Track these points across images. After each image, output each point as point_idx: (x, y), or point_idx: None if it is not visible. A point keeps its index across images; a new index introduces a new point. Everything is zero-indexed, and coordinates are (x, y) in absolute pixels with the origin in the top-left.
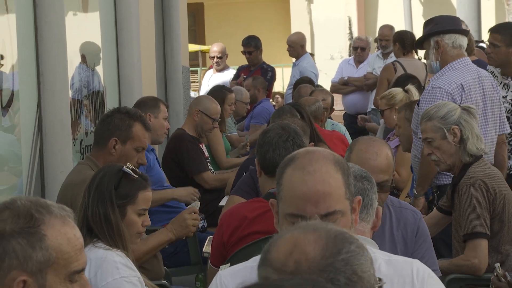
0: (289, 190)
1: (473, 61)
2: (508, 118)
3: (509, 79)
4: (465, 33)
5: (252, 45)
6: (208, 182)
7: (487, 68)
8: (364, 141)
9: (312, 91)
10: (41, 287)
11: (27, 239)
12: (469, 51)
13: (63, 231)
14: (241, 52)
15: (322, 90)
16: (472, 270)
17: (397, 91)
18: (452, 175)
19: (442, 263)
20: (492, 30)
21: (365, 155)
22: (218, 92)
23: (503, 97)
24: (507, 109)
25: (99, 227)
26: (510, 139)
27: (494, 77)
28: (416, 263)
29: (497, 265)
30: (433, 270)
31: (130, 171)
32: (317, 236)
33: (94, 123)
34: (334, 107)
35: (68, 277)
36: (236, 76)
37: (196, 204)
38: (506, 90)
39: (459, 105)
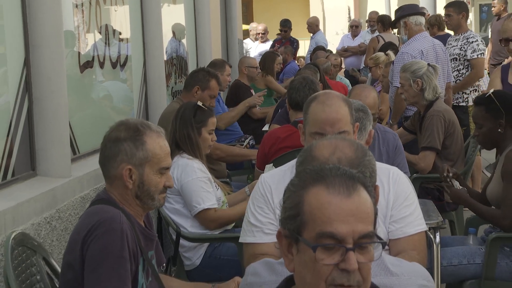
0: (314, 116)
1: (443, 35)
2: (456, 58)
3: (460, 35)
4: (423, 14)
5: (287, 25)
6: (256, 114)
7: (448, 39)
8: (358, 88)
9: (327, 55)
10: (141, 175)
11: (133, 143)
12: (442, 27)
13: (157, 141)
14: (279, 29)
15: (335, 54)
16: (419, 169)
17: (380, 54)
18: (416, 109)
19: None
20: (446, 6)
21: (359, 97)
22: (270, 55)
23: (455, 45)
24: (457, 53)
25: (184, 143)
26: (456, 79)
27: (448, 44)
28: (393, 169)
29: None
30: (405, 172)
31: (202, 105)
32: (349, 143)
33: (180, 77)
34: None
35: (159, 171)
36: (273, 45)
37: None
38: (458, 41)
39: (428, 64)
